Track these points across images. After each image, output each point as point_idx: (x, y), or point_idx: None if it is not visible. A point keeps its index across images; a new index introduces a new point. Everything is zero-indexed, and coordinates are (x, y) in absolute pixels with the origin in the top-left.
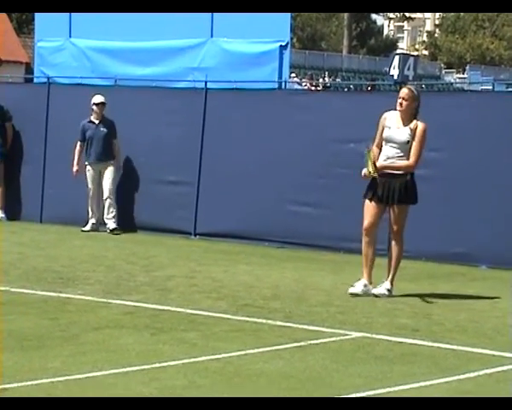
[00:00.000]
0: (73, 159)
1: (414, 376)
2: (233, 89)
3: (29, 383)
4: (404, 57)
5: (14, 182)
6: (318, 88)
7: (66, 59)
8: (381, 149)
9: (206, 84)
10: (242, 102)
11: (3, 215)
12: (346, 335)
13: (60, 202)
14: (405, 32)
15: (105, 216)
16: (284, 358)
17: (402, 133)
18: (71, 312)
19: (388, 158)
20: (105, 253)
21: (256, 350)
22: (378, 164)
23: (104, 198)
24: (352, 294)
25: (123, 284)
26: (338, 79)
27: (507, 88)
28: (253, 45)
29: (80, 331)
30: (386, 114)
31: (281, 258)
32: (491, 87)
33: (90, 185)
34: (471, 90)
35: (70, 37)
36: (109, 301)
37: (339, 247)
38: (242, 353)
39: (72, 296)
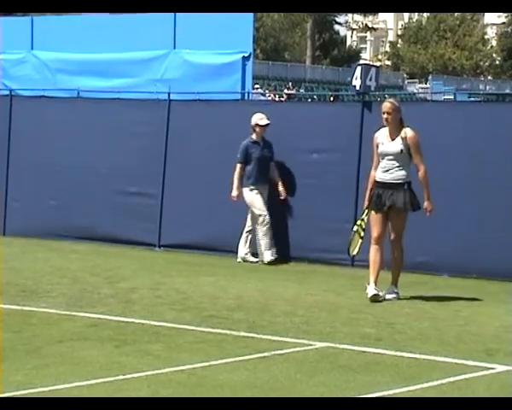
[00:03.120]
0: (233, 183)
1: (377, 385)
2: (196, 100)
3: None
4: (366, 68)
5: None
6: (282, 99)
7: (28, 71)
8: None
9: (169, 96)
10: (205, 113)
11: None
12: (310, 345)
13: (24, 214)
14: (368, 42)
15: (244, 245)
16: (248, 369)
17: (395, 145)
18: (34, 325)
19: (387, 170)
20: (68, 265)
21: (220, 361)
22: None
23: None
24: (371, 296)
25: (87, 296)
26: (301, 90)
27: (469, 98)
28: (215, 56)
29: (43, 344)
30: (376, 134)
31: (245, 269)
32: (453, 97)
33: (262, 211)
34: (433, 100)
35: (32, 49)
36: (73, 313)
37: (303, 257)
38: (206, 364)
39: (36, 309)
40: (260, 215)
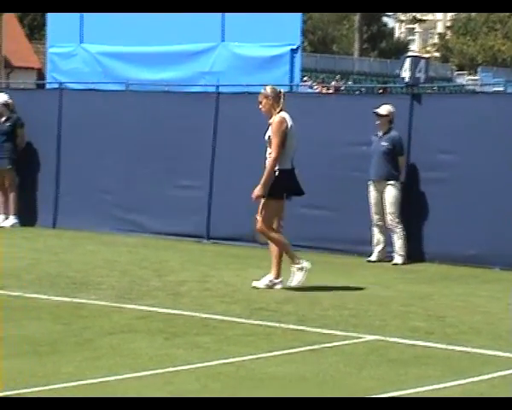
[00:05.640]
0: None
1: (428, 378)
2: (244, 93)
3: (43, 388)
4: (415, 60)
5: (27, 188)
6: (330, 91)
7: (77, 65)
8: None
9: (217, 89)
10: (254, 105)
11: (17, 221)
12: (360, 338)
13: (74, 208)
14: (416, 34)
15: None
16: (297, 361)
17: (268, 132)
18: (84, 317)
19: (265, 157)
20: (118, 258)
21: (269, 354)
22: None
23: (386, 225)
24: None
25: (136, 288)
26: (349, 82)
27: None
28: (264, 49)
29: (94, 336)
30: None
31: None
32: (502, 89)
33: (373, 208)
34: (483, 92)
35: (82, 42)
36: (122, 305)
37: (351, 250)
38: (255, 357)
39: (86, 301)
40: (372, 214)
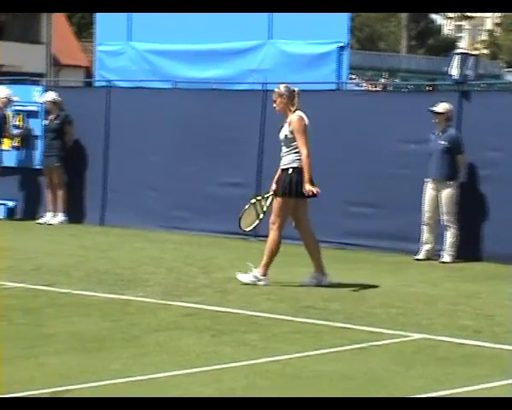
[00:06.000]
0: None
1: (476, 378)
2: None
3: (92, 384)
4: (464, 57)
5: (75, 185)
6: (377, 89)
7: (125, 63)
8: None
9: (265, 86)
10: (301, 103)
11: (65, 218)
12: (407, 336)
13: (122, 205)
14: (465, 31)
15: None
16: (344, 359)
17: (283, 131)
18: (131, 314)
19: (282, 156)
20: (164, 255)
21: (316, 352)
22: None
23: (442, 224)
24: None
25: (182, 285)
26: (397, 80)
27: None
28: (311, 46)
29: (141, 333)
30: None
31: (339, 259)
32: None
33: (426, 206)
34: None
35: (129, 40)
36: (169, 302)
37: (398, 248)
38: (303, 354)
39: (133, 298)
40: (424, 213)
